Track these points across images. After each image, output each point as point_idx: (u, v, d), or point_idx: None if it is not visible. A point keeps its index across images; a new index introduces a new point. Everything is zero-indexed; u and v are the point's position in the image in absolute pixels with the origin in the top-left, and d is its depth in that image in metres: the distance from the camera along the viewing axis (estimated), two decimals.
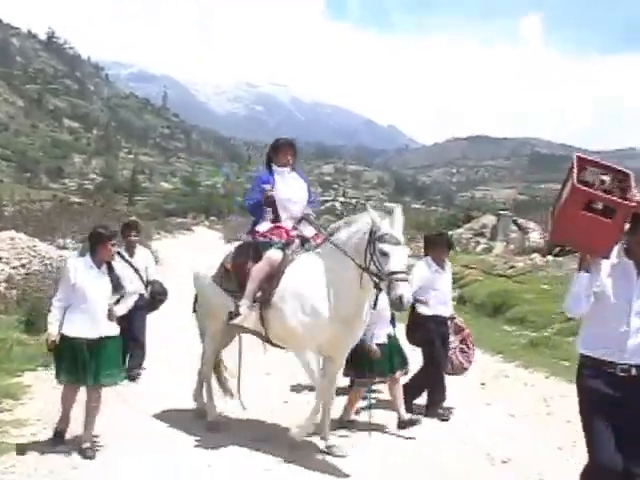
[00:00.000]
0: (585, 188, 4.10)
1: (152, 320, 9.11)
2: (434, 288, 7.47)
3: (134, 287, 6.67)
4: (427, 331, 7.33)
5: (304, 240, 6.48)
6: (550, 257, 23.03)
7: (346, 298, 5.90)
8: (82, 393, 6.09)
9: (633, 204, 4.08)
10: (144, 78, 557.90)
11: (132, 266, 8.43)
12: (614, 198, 4.09)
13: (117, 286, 6.03)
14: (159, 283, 8.89)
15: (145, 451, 6.03)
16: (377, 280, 5.68)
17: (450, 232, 22.81)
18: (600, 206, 4.10)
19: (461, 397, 8.14)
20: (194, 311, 7.30)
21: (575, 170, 4.14)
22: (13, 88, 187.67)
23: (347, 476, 5.72)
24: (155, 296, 8.79)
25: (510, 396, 8.66)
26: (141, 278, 8.63)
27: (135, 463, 5.75)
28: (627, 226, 4.21)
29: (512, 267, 21.44)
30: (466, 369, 7.90)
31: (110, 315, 5.95)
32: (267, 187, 6.55)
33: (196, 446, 6.28)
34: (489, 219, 35.12)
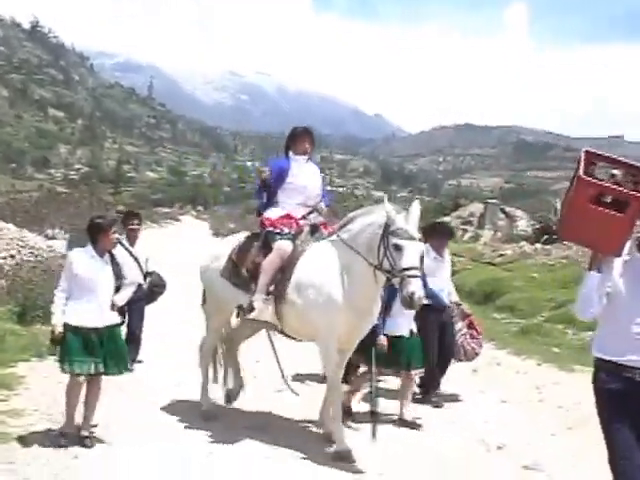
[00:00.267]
0: (592, 179, 3.86)
1: (147, 311, 9.09)
2: (433, 276, 7.49)
3: (133, 277, 6.65)
4: (424, 320, 7.31)
5: (313, 229, 6.40)
6: (538, 245, 23.18)
7: (359, 289, 5.80)
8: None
9: None
10: (130, 68, 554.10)
11: (132, 255, 8.36)
12: (624, 190, 3.82)
13: (118, 275, 6.04)
14: (158, 275, 8.85)
15: (144, 440, 6.05)
16: (389, 276, 5.58)
17: (437, 220, 22.93)
18: (610, 199, 3.85)
19: (454, 384, 8.20)
20: (203, 304, 7.20)
21: (582, 163, 3.90)
22: None
23: (347, 463, 5.73)
24: (153, 288, 8.75)
25: (502, 383, 8.74)
26: (140, 268, 8.56)
27: (134, 452, 5.77)
28: None
29: (501, 255, 21.58)
30: (478, 354, 7.96)
31: (112, 305, 5.97)
32: (265, 169, 6.52)
33: (195, 435, 6.31)
34: (476, 207, 35.29)
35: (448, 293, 7.81)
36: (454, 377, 8.29)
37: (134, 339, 8.62)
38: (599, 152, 4.01)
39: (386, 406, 7.04)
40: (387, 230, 5.59)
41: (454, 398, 7.96)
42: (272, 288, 6.15)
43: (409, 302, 5.37)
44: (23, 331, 10.09)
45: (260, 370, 8.17)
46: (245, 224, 47.72)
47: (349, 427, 6.61)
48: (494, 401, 7.94)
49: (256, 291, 6.18)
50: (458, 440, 6.50)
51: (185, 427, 6.53)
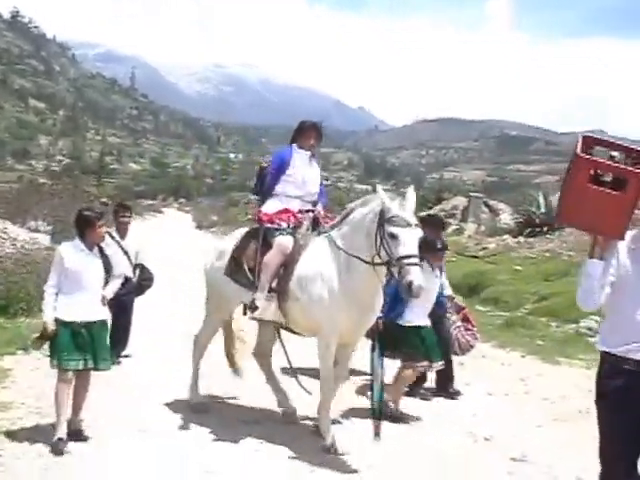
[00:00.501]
0: (590, 157, 3.66)
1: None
2: None
3: (122, 270, 6.60)
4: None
5: (314, 222, 6.33)
6: (522, 238, 23.30)
7: (360, 283, 5.70)
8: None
9: None
10: (112, 58, 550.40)
11: (122, 248, 8.25)
12: (623, 166, 3.63)
13: (108, 268, 5.98)
14: (146, 268, 8.78)
15: (134, 435, 6.04)
16: (387, 265, 5.45)
17: (421, 213, 22.97)
18: (610, 178, 3.64)
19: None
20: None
21: (580, 146, 3.70)
22: None
23: (338, 457, 5.74)
24: (142, 281, 8.68)
25: (488, 376, 8.80)
26: (130, 262, 8.47)
27: (123, 446, 5.76)
28: None
29: (484, 248, 21.68)
30: (473, 347, 7.97)
31: (102, 299, 5.91)
32: (264, 159, 6.51)
33: (185, 429, 6.30)
34: (460, 200, 35.36)
35: (441, 286, 7.73)
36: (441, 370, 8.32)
37: (123, 333, 8.54)
38: (596, 136, 3.83)
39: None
40: (382, 218, 5.46)
41: (431, 390, 7.99)
42: (275, 284, 6.09)
43: (408, 291, 5.24)
44: (7, 324, 10.06)
45: (248, 364, 8.16)
46: (228, 216, 47.85)
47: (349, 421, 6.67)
48: (480, 393, 7.99)
49: (258, 289, 6.12)
50: (446, 433, 6.54)
51: (175, 421, 6.50)
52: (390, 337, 6.46)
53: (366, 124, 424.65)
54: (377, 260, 5.56)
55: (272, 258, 6.11)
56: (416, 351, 6.85)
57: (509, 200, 39.50)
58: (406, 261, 5.28)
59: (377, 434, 5.84)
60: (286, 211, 6.37)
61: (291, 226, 6.26)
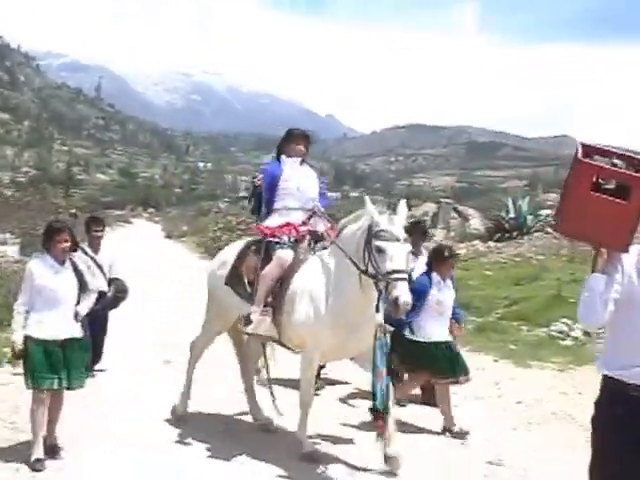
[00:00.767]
0: (593, 162, 3.44)
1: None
2: None
3: (96, 284, 6.48)
4: (398, 321, 6.81)
5: (316, 237, 6.20)
6: (491, 243, 23.53)
7: (349, 302, 5.55)
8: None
9: None
10: (77, 68, 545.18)
11: (96, 263, 8.14)
12: (627, 172, 3.41)
13: (81, 284, 5.79)
14: (121, 281, 8.64)
15: (110, 449, 5.96)
16: (374, 281, 5.30)
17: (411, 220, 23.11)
18: (613, 186, 3.41)
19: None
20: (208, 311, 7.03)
21: (580, 150, 3.49)
22: None
23: (325, 465, 5.72)
24: (117, 294, 8.55)
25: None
26: (104, 275, 8.33)
27: (100, 461, 5.69)
28: None
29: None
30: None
31: (76, 316, 5.74)
32: (258, 177, 6.48)
33: (167, 442, 6.24)
34: (429, 207, 35.69)
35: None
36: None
37: (98, 347, 8.29)
38: (596, 145, 3.59)
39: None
40: (370, 233, 5.35)
41: (416, 397, 8.03)
42: (270, 299, 5.98)
43: (394, 308, 5.09)
44: None
45: (227, 373, 8.15)
46: (198, 226, 47.61)
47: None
48: (454, 397, 8.01)
49: (255, 302, 6.03)
50: (421, 437, 6.58)
51: (153, 434, 6.41)
52: (409, 354, 6.55)
53: (335, 132, 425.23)
54: (365, 278, 5.42)
55: (270, 271, 6.01)
56: (435, 368, 6.72)
57: (478, 205, 39.91)
58: (393, 276, 5.12)
59: (379, 435, 5.77)
60: (288, 224, 6.23)
61: (292, 240, 6.14)
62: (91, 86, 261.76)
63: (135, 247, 29.50)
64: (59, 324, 5.63)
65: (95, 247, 8.43)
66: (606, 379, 3.46)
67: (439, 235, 29.61)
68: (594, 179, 3.40)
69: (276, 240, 6.13)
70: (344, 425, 6.83)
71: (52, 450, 5.75)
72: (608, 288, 3.37)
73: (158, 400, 7.32)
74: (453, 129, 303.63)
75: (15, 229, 21.72)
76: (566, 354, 10.41)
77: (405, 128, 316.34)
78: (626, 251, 3.43)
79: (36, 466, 5.47)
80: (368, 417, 6.00)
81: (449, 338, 6.93)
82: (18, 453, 5.72)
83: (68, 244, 5.74)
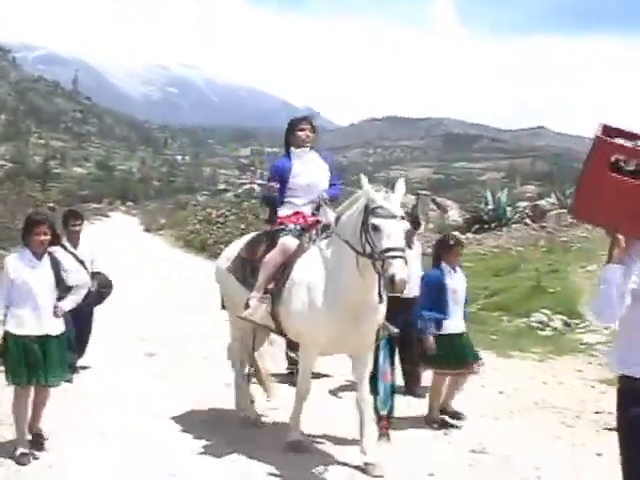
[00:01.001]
0: (613, 141, 3.19)
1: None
2: None
3: (80, 280, 6.36)
4: (392, 313, 6.39)
5: (324, 227, 5.91)
6: (470, 234, 23.66)
7: (347, 288, 5.36)
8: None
9: None
10: (54, 61, 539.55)
11: (77, 258, 8.03)
12: None
13: (59, 279, 5.68)
14: (104, 275, 8.52)
15: (96, 445, 5.92)
16: (371, 260, 5.09)
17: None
18: (633, 167, 3.17)
19: (397, 372, 8.32)
20: (222, 307, 6.90)
21: (600, 131, 3.26)
22: None
23: (316, 463, 5.67)
24: (101, 289, 8.44)
25: None
26: (87, 270, 8.17)
27: (85, 458, 5.65)
28: None
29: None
30: None
31: (56, 311, 5.63)
32: (273, 185, 6.18)
33: (152, 436, 6.18)
34: (408, 198, 35.67)
35: (416, 284, 7.21)
36: (397, 366, 8.40)
37: (81, 343, 8.18)
38: (617, 127, 3.32)
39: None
40: (367, 211, 5.14)
41: (399, 388, 8.06)
42: (271, 286, 5.85)
43: (391, 285, 4.89)
44: None
45: (209, 367, 8.13)
46: (176, 219, 47.39)
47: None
48: None
49: (255, 288, 5.90)
50: (405, 427, 6.60)
51: (138, 428, 6.36)
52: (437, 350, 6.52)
53: None
54: (362, 261, 5.24)
55: (273, 257, 5.87)
56: (448, 359, 6.65)
57: (456, 197, 40.09)
58: (389, 254, 4.92)
59: (382, 435, 5.73)
60: (296, 214, 6.13)
61: (299, 228, 6.00)
62: (68, 79, 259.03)
63: (113, 241, 29.34)
64: (36, 320, 5.52)
65: (74, 241, 8.27)
66: (629, 379, 3.21)
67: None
68: (613, 159, 3.18)
69: (282, 227, 6.02)
70: (333, 418, 6.83)
71: (36, 443, 5.72)
72: (626, 279, 3.12)
73: (141, 394, 7.30)
74: (430, 121, 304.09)
75: None
76: (546, 344, 10.54)
77: (382, 120, 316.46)
78: None
79: (21, 460, 5.44)
80: (356, 410, 5.98)
81: (465, 329, 6.88)
82: (2, 448, 5.69)
83: (47, 237, 5.61)
